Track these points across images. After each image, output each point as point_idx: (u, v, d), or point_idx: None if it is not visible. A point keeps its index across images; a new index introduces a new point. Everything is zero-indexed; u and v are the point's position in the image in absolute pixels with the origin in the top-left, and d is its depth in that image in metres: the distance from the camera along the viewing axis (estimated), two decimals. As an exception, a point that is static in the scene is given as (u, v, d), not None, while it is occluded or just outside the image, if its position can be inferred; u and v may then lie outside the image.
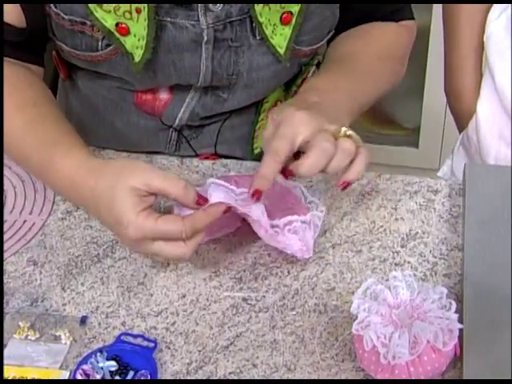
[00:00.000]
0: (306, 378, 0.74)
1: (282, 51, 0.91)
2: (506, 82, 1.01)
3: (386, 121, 2.23)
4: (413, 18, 1.04)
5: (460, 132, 1.14)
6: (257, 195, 0.78)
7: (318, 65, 1.06)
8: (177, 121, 0.98)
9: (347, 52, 0.98)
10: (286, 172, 0.79)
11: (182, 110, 0.98)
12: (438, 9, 1.90)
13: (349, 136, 0.81)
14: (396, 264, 0.85)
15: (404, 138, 2.20)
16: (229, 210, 0.78)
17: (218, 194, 0.79)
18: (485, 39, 1.04)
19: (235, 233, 0.89)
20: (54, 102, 0.92)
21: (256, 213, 0.79)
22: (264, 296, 0.82)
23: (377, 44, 1.00)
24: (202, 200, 0.78)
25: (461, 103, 1.11)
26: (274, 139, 0.78)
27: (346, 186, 0.82)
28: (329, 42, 1.02)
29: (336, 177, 0.84)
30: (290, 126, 0.78)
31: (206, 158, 0.99)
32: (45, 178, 0.87)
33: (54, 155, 0.83)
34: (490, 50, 1.04)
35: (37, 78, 0.93)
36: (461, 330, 0.72)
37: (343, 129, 0.80)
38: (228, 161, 0.98)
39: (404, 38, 1.04)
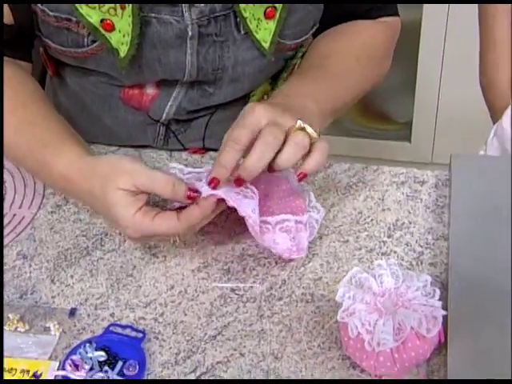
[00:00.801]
0: (292, 367, 0.74)
1: (266, 46, 0.92)
2: None
3: (379, 116, 2.24)
4: (396, 15, 1.04)
5: (494, 123, 1.16)
6: (214, 183, 0.77)
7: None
8: (164, 115, 0.99)
9: (323, 54, 0.98)
10: (238, 180, 0.79)
11: (169, 105, 0.98)
12: (429, 4, 1.92)
13: (303, 129, 0.79)
14: (382, 253, 0.85)
15: (397, 132, 2.21)
16: (221, 201, 0.79)
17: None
18: None
19: (224, 224, 0.89)
20: (44, 99, 0.92)
21: (244, 209, 0.79)
22: (251, 286, 0.83)
23: (354, 44, 1.00)
24: (193, 193, 0.78)
25: (496, 96, 1.14)
26: (234, 129, 0.78)
27: (303, 177, 0.80)
28: (314, 35, 1.02)
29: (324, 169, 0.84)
30: (250, 116, 0.78)
31: (195, 152, 1.00)
32: (42, 177, 0.90)
33: (46, 156, 0.84)
34: None
35: (26, 74, 0.94)
36: (445, 318, 0.73)
37: (298, 122, 0.79)
38: (217, 154, 0.99)
39: (384, 36, 1.03)
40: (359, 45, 1.00)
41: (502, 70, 1.13)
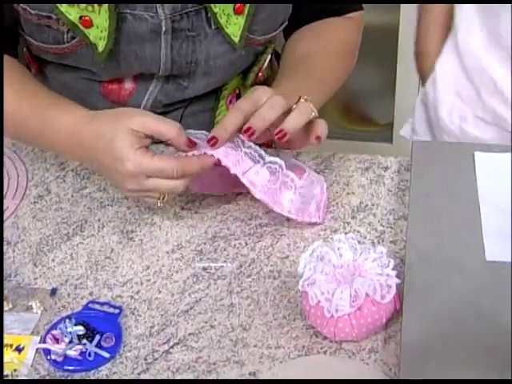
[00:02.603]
0: (259, 336, 0.79)
1: (236, 40, 0.97)
2: (468, 41, 1.09)
3: (361, 118, 2.29)
4: (361, 9, 1.10)
5: None
6: (213, 141, 0.84)
7: (276, 55, 1.13)
8: (141, 108, 1.04)
9: (305, 55, 1.03)
10: (248, 131, 0.84)
11: (146, 98, 1.04)
12: (406, 8, 1.97)
13: (306, 101, 0.87)
14: (346, 233, 0.90)
15: (378, 133, 2.26)
16: (219, 163, 0.85)
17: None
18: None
19: (197, 210, 0.95)
20: (36, 80, 0.99)
21: (238, 168, 0.85)
22: (222, 266, 0.88)
23: (332, 43, 1.06)
24: (191, 144, 0.85)
25: (426, 63, 1.19)
26: (239, 101, 0.86)
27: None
28: (285, 32, 1.08)
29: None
30: (254, 91, 0.86)
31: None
32: (43, 139, 0.93)
33: (52, 114, 0.90)
34: (456, 9, 1.11)
35: (16, 61, 1.00)
36: (402, 288, 0.78)
37: (302, 98, 0.87)
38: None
39: (354, 32, 1.10)
40: (337, 42, 1.06)
41: (433, 37, 1.17)
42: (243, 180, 0.85)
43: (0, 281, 0.85)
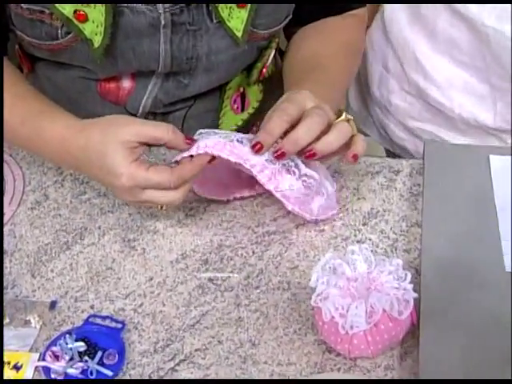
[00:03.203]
0: (269, 352, 0.76)
1: (239, 34, 0.93)
2: (393, 18, 1.11)
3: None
4: (363, 6, 1.06)
5: None
6: (257, 147, 0.79)
7: (280, 51, 1.09)
8: (141, 108, 1.00)
9: (312, 58, 0.99)
10: (280, 152, 0.80)
11: (145, 98, 1.00)
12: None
13: (348, 121, 0.82)
14: (358, 241, 0.87)
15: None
16: (213, 159, 0.81)
17: (208, 140, 0.82)
18: None
19: (202, 216, 0.91)
20: (27, 82, 0.95)
21: (241, 156, 0.80)
22: (229, 276, 0.84)
23: (338, 44, 1.02)
24: (189, 140, 0.82)
25: None
26: (282, 102, 0.81)
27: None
28: (287, 31, 1.04)
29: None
30: (297, 94, 0.82)
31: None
32: (34, 146, 0.90)
33: (42, 123, 0.87)
34: None
35: (7, 61, 0.95)
36: (418, 301, 0.75)
37: (344, 113, 0.82)
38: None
39: (359, 31, 1.06)
40: (345, 43, 1.03)
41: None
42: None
43: (0, 278, 0.82)
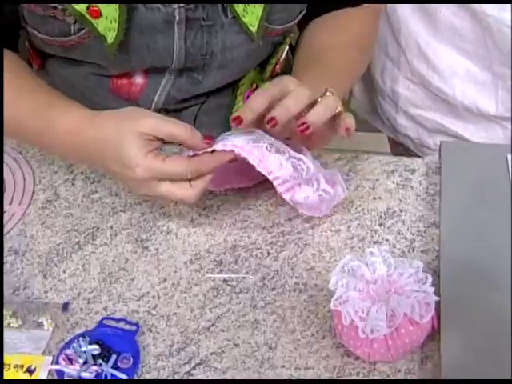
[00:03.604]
0: (287, 356, 0.74)
1: (254, 30, 0.92)
2: (395, 6, 1.11)
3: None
4: None
5: None
6: (237, 121, 0.78)
7: (291, 47, 1.07)
8: (153, 105, 0.99)
9: (325, 48, 0.98)
10: (271, 121, 0.78)
11: (158, 94, 0.98)
12: None
13: (332, 94, 0.82)
14: (374, 242, 0.85)
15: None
16: (235, 159, 0.80)
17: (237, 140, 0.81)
18: None
19: (215, 216, 0.89)
20: (36, 76, 0.93)
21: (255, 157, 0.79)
22: (244, 277, 0.83)
23: (352, 35, 1.01)
24: (208, 140, 0.81)
25: None
26: (265, 84, 0.81)
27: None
28: (299, 24, 1.02)
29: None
30: (280, 79, 0.81)
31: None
32: (44, 140, 0.87)
33: (53, 116, 0.85)
34: None
35: (15, 55, 0.94)
36: (438, 304, 0.73)
37: (329, 90, 0.82)
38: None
39: (372, 23, 1.05)
40: (356, 35, 1.01)
41: None
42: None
43: (0, 280, 0.81)
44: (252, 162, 0.79)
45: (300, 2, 0.98)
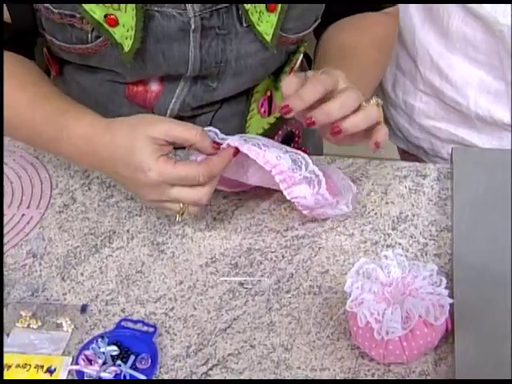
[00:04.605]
0: (302, 357, 0.76)
1: (268, 38, 0.93)
2: (406, 18, 1.11)
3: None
4: (395, 4, 1.06)
5: None
6: (286, 109, 0.78)
7: (306, 55, 1.09)
8: (168, 112, 1.00)
9: (349, 46, 0.99)
10: (309, 120, 0.79)
11: (173, 101, 0.99)
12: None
13: (377, 105, 0.82)
14: (387, 246, 0.87)
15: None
16: (237, 152, 0.82)
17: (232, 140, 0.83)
18: None
19: (230, 220, 0.91)
20: (52, 83, 0.95)
21: (265, 156, 0.81)
22: (259, 280, 0.84)
23: (375, 37, 1.02)
24: (216, 144, 0.82)
25: None
26: (320, 75, 0.80)
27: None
28: (315, 32, 1.04)
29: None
30: (333, 71, 0.81)
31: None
32: (57, 146, 0.89)
33: (67, 122, 0.86)
34: None
35: (31, 62, 0.95)
36: (452, 307, 0.75)
37: (375, 98, 0.82)
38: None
39: (392, 27, 1.06)
40: (379, 37, 1.03)
41: None
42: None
43: (0, 279, 0.83)
44: (252, 156, 0.81)
45: (319, 2, 0.98)
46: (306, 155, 0.83)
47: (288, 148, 0.84)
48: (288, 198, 0.83)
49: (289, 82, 0.80)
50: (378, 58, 1.02)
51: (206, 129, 0.85)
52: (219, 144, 0.83)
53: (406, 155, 1.29)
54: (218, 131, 0.85)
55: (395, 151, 1.36)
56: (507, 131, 1.11)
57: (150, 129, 0.80)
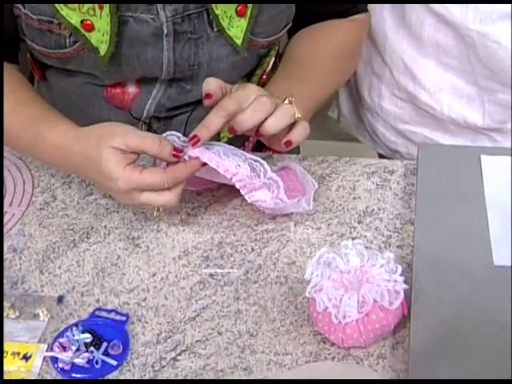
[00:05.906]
0: (267, 343, 0.79)
1: (239, 42, 0.97)
2: (379, 24, 1.15)
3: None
4: (366, 11, 1.10)
5: None
6: (194, 140, 0.85)
7: (278, 56, 1.13)
8: (145, 113, 1.04)
9: (303, 56, 1.04)
10: (232, 129, 0.86)
11: (149, 102, 1.03)
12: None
13: (290, 103, 0.88)
14: (353, 238, 0.90)
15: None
16: (204, 164, 0.86)
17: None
18: None
19: (203, 216, 0.94)
20: (32, 88, 1.00)
21: (227, 168, 0.86)
22: (229, 272, 0.87)
23: (331, 44, 1.06)
24: (177, 152, 0.85)
25: None
26: (224, 99, 0.86)
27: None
28: (290, 34, 1.08)
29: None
30: (241, 90, 0.87)
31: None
32: (36, 152, 0.95)
33: (42, 131, 0.91)
34: None
35: (12, 67, 1.00)
36: (410, 294, 0.78)
37: (287, 98, 0.88)
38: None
39: (354, 33, 1.09)
40: (335, 44, 1.07)
41: None
42: (221, 171, 0.86)
43: (0, 278, 0.86)
44: (212, 165, 0.85)
45: (290, 2, 1.02)
46: (264, 162, 0.88)
47: (248, 154, 0.88)
48: (249, 201, 0.88)
49: (209, 83, 0.87)
50: (332, 65, 1.05)
51: (167, 133, 0.88)
52: (181, 150, 0.86)
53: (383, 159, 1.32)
54: (180, 135, 0.89)
55: (375, 155, 1.39)
56: (482, 134, 1.14)
57: (114, 140, 0.84)
